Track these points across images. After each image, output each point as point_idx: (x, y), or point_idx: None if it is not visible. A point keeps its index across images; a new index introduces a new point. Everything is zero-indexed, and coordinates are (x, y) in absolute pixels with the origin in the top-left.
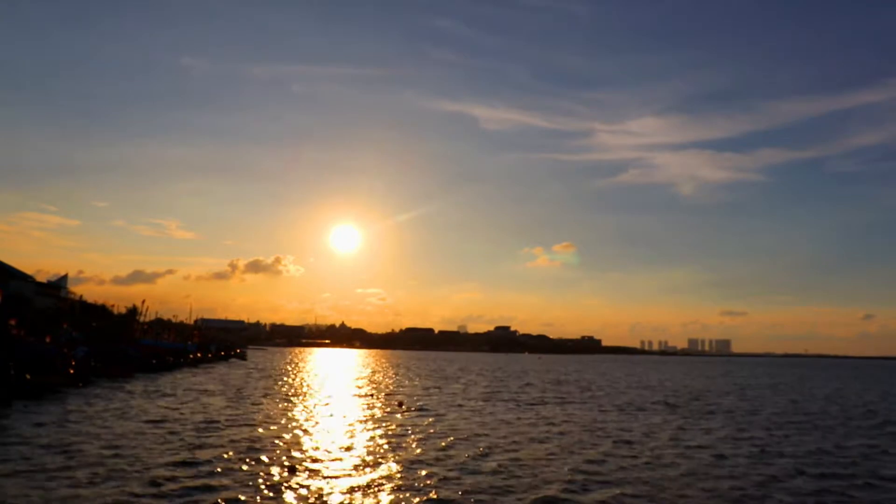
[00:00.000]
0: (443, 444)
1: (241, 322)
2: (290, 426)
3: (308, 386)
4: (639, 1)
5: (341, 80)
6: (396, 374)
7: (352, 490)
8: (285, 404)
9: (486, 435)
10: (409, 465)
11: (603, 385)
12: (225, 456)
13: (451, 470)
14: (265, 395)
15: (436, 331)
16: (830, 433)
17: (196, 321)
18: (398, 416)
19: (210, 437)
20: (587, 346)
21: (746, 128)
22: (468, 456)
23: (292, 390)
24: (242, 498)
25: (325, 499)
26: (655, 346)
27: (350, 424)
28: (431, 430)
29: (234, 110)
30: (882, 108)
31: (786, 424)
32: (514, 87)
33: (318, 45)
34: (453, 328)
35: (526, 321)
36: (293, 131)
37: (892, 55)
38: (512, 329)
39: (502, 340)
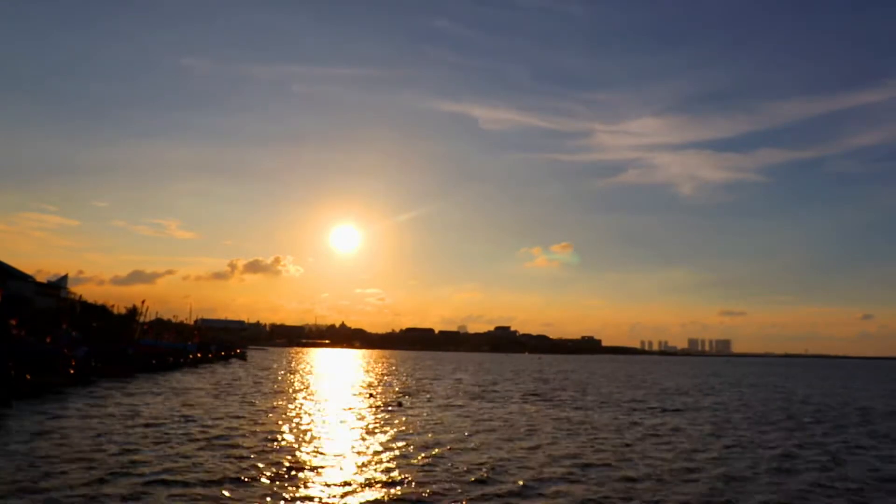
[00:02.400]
0: (439, 443)
1: (241, 322)
2: (289, 426)
3: (308, 386)
4: (638, 1)
5: (341, 81)
6: (396, 375)
7: (349, 489)
8: (285, 404)
9: (479, 433)
10: (405, 465)
11: (595, 384)
12: (223, 455)
13: (446, 469)
14: (264, 395)
15: (436, 331)
16: (779, 428)
17: (196, 321)
18: (397, 415)
19: (209, 436)
20: (587, 346)
21: (746, 128)
22: (462, 455)
23: (292, 390)
24: (240, 496)
25: (322, 498)
26: (655, 347)
27: (349, 424)
28: (429, 430)
29: (235, 110)
30: (882, 108)
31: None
32: (514, 87)
33: (319, 45)
34: (453, 328)
35: (526, 321)
36: (293, 131)
37: (891, 55)
38: (512, 329)
39: (502, 340)
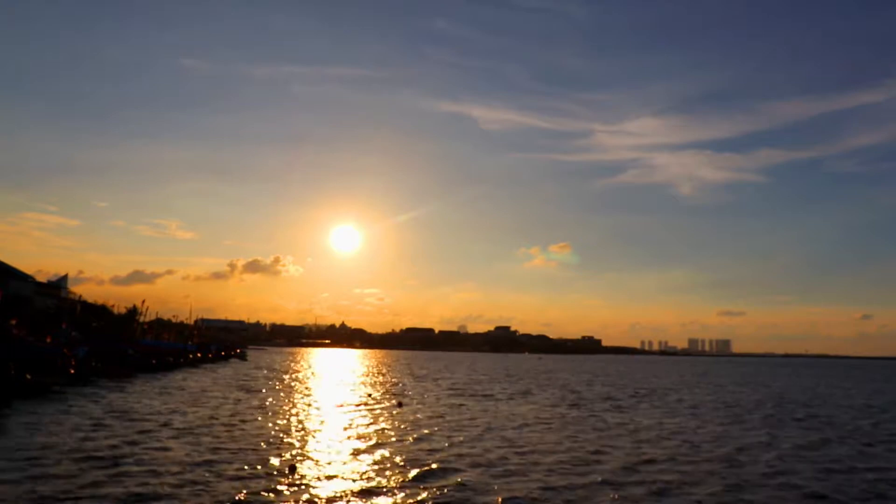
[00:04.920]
0: (439, 443)
1: (242, 322)
2: (290, 426)
3: (308, 386)
4: (637, 2)
5: (341, 81)
6: (396, 375)
7: (347, 489)
8: (284, 404)
9: (480, 437)
10: (404, 464)
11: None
12: (222, 454)
13: (445, 468)
14: (263, 395)
15: (436, 331)
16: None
17: (196, 321)
18: (397, 415)
19: (207, 435)
20: (587, 346)
21: (745, 128)
22: (462, 455)
23: (291, 390)
24: (241, 496)
25: (323, 497)
26: (656, 346)
27: (348, 424)
28: (429, 430)
29: (235, 111)
30: (881, 108)
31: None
32: (513, 87)
33: (318, 46)
34: (453, 328)
35: (525, 321)
36: (293, 132)
37: (891, 55)
38: (512, 329)
39: (502, 340)
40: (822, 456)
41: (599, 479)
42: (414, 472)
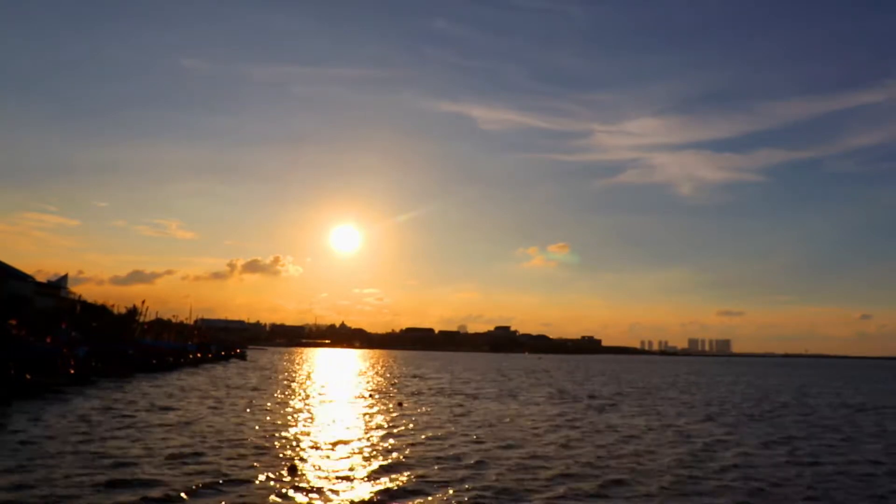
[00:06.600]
0: (437, 443)
1: (242, 322)
2: (291, 425)
3: (308, 386)
4: (637, 2)
5: (341, 82)
6: (396, 375)
7: (350, 489)
8: (285, 404)
9: (481, 439)
10: (405, 464)
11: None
12: (222, 454)
13: (444, 468)
14: (264, 395)
15: (436, 331)
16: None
17: (196, 321)
18: (398, 415)
19: (206, 435)
20: (587, 346)
21: (745, 128)
22: (462, 456)
23: (292, 390)
24: (242, 496)
25: (325, 497)
26: (656, 346)
27: (349, 424)
28: (428, 430)
29: (235, 111)
30: (881, 108)
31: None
32: (513, 87)
33: (318, 46)
34: (453, 328)
35: (525, 321)
36: (293, 132)
37: (890, 55)
38: (512, 329)
39: (502, 340)
40: (783, 450)
41: (571, 472)
42: (414, 472)
